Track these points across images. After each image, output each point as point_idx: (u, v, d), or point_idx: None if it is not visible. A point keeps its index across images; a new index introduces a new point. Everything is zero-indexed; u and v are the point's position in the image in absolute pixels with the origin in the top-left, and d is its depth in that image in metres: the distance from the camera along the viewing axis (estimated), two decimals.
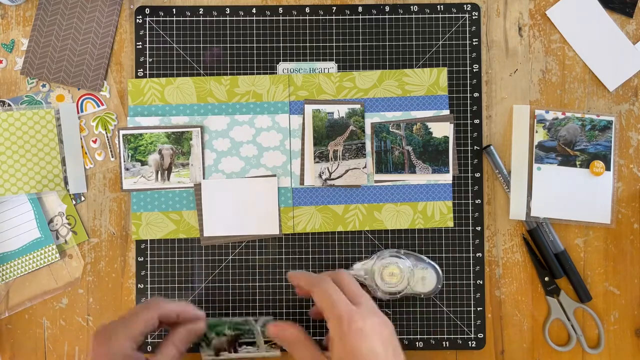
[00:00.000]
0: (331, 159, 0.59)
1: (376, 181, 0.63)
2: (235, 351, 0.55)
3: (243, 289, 0.63)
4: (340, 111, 0.59)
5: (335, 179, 0.59)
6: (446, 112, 0.63)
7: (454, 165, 0.63)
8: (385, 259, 0.59)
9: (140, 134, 0.62)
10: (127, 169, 0.62)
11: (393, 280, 0.58)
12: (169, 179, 0.62)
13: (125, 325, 0.48)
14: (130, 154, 0.62)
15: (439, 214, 0.62)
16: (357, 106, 0.60)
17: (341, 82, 0.63)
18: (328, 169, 0.59)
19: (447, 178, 0.63)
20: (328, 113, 0.57)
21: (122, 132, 0.62)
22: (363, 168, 0.59)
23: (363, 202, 0.63)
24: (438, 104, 0.63)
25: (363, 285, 0.57)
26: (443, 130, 0.63)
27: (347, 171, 0.59)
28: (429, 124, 0.62)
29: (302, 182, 0.62)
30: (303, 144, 0.62)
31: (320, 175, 0.59)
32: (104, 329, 0.48)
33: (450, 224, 0.63)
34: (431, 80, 0.63)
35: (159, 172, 0.62)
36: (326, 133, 0.60)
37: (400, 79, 0.63)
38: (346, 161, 0.60)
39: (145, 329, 0.50)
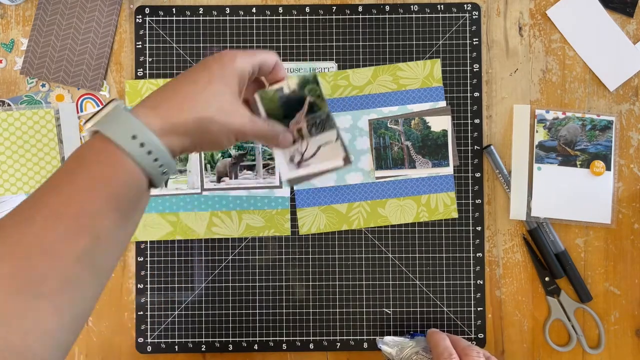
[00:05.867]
0: (297, 139, 0.51)
1: (377, 177, 0.63)
2: (236, 177, 0.55)
3: (243, 289, 0.62)
4: (290, 84, 0.50)
5: (309, 159, 0.53)
6: (442, 103, 0.63)
7: (454, 156, 0.63)
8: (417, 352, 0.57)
9: None
10: None
11: None
12: (166, 185, 0.62)
13: (248, 54, 0.47)
14: None
15: (443, 205, 0.62)
16: (308, 73, 0.53)
17: (336, 81, 0.63)
18: (298, 150, 0.52)
19: (447, 171, 0.63)
20: (277, 90, 0.49)
21: None
22: (335, 140, 0.51)
23: (366, 199, 0.63)
24: (434, 96, 0.63)
25: None
26: (441, 124, 0.63)
27: (319, 147, 0.52)
28: (427, 119, 0.62)
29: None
30: None
31: (291, 160, 0.52)
32: (231, 52, 0.46)
33: (455, 214, 0.62)
34: (425, 72, 0.63)
35: None
36: (282, 113, 0.50)
37: (395, 74, 0.63)
38: (315, 137, 0.52)
39: (259, 64, 0.47)
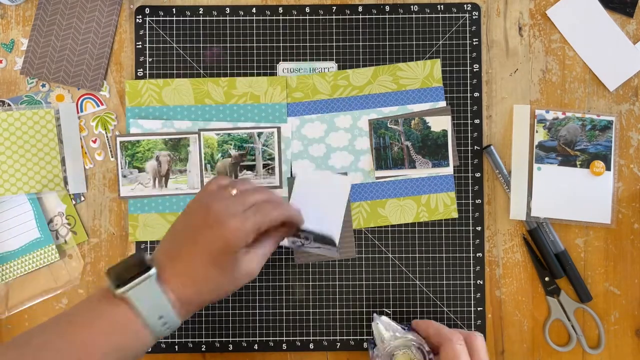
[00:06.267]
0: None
1: (377, 177, 0.63)
2: (236, 177, 0.56)
3: (243, 288, 0.62)
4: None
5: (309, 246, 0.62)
6: (442, 103, 0.63)
7: (454, 156, 0.63)
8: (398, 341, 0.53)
9: (138, 141, 0.62)
10: (124, 176, 0.62)
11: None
12: (166, 186, 0.62)
13: (260, 217, 0.50)
14: (127, 161, 0.62)
15: (443, 205, 0.62)
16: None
17: (336, 81, 0.63)
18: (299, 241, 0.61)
19: (447, 171, 0.63)
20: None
21: (119, 139, 0.62)
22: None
23: (366, 199, 0.63)
24: (434, 96, 0.63)
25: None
26: (441, 124, 0.63)
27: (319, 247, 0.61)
28: (427, 119, 0.62)
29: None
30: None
31: (293, 242, 0.62)
32: (243, 216, 0.49)
33: (455, 214, 0.63)
34: (425, 72, 0.63)
35: (157, 179, 0.62)
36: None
37: (395, 74, 0.63)
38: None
39: (266, 228, 0.51)
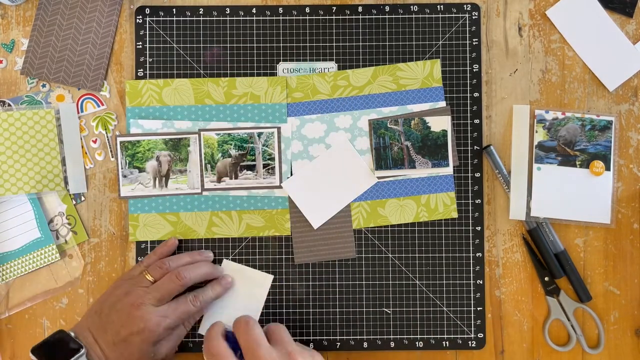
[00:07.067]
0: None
1: (377, 177, 0.63)
2: (236, 177, 0.57)
3: None
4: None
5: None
6: (442, 103, 0.63)
7: (454, 156, 0.63)
8: None
9: (138, 141, 0.62)
10: (124, 176, 0.62)
11: None
12: (166, 186, 0.62)
13: (182, 306, 0.57)
14: (127, 161, 0.62)
15: (443, 205, 0.63)
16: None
17: (335, 81, 0.63)
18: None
19: (447, 171, 0.63)
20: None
21: (119, 139, 0.62)
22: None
23: (366, 199, 0.63)
24: (434, 96, 0.63)
25: None
26: (441, 124, 0.63)
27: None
28: (427, 119, 0.63)
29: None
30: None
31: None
32: (163, 314, 0.55)
33: (455, 214, 0.63)
34: (425, 72, 0.63)
35: (157, 179, 0.62)
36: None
37: (394, 74, 0.63)
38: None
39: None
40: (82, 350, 0.51)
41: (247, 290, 0.62)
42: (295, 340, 0.52)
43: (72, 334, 0.53)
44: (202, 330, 0.61)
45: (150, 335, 0.53)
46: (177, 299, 0.57)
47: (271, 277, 0.62)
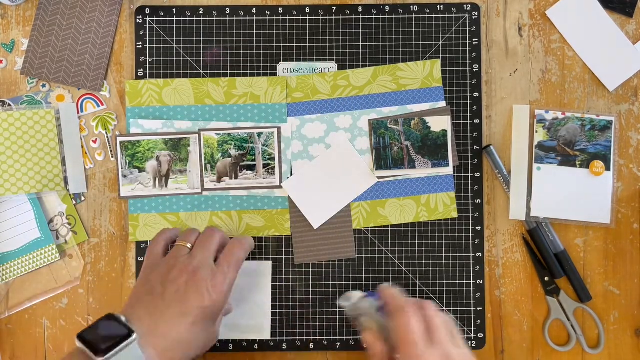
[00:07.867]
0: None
1: (377, 177, 0.63)
2: (236, 177, 0.57)
3: None
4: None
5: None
6: (442, 103, 0.63)
7: (454, 156, 0.63)
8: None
9: (138, 141, 0.62)
10: (124, 176, 0.62)
11: None
12: (166, 186, 0.62)
13: (225, 280, 0.52)
14: (127, 161, 0.62)
15: (443, 205, 0.63)
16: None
17: (335, 81, 0.63)
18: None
19: (447, 171, 0.63)
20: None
21: (119, 139, 0.62)
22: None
23: (366, 199, 0.63)
24: (434, 96, 0.63)
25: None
26: (441, 124, 0.63)
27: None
28: (427, 119, 0.63)
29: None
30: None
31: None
32: (211, 297, 0.50)
33: (455, 214, 0.63)
34: (425, 72, 0.63)
35: (157, 179, 0.62)
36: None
37: (395, 74, 0.63)
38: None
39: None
40: (134, 336, 0.45)
41: (253, 282, 0.62)
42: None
43: (123, 318, 0.47)
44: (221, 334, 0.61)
45: (219, 296, 0.50)
46: (223, 252, 0.54)
47: (270, 262, 0.62)
